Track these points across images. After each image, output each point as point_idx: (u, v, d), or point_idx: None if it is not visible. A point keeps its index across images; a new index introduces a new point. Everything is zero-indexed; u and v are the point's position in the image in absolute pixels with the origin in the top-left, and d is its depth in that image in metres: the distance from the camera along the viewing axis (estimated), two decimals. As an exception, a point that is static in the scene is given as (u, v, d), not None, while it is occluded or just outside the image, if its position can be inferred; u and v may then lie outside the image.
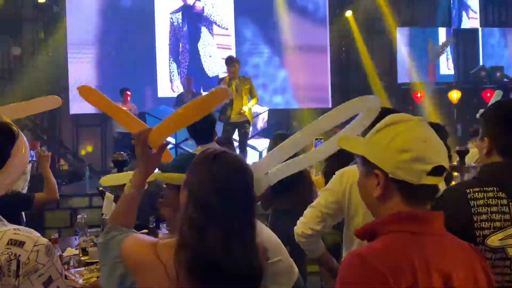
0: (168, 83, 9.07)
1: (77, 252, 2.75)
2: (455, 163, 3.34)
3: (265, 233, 1.78)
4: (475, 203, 1.28)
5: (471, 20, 10.50)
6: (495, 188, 1.28)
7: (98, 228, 3.05)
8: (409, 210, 1.04)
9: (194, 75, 8.43)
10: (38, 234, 1.19)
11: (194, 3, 9.25)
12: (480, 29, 10.54)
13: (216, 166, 1.19)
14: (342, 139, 1.19)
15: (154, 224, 2.83)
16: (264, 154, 6.04)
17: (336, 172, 2.01)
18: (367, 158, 1.08)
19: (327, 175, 3.33)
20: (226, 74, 6.61)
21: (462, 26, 10.43)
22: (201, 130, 2.77)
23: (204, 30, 9.24)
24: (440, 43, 9.81)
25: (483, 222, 1.26)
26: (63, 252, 2.71)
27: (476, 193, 1.29)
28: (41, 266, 1.14)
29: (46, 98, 2.02)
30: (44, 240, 1.18)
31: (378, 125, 1.10)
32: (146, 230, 2.89)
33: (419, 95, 9.40)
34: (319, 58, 9.62)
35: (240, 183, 1.18)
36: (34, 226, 1.35)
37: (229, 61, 6.22)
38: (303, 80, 9.50)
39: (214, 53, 9.19)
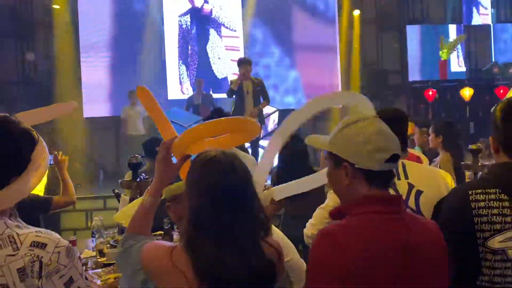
0: (178, 85, 9.14)
1: (94, 253, 2.80)
2: (468, 162, 3.33)
3: (274, 234, 1.82)
4: (477, 204, 1.28)
5: (482, 16, 10.40)
6: (497, 190, 1.28)
7: (114, 230, 3.10)
8: (374, 193, 1.19)
9: (203, 77, 8.48)
10: (59, 236, 1.23)
11: (202, 5, 9.31)
12: (492, 24, 10.43)
13: (206, 169, 1.22)
14: (311, 138, 1.37)
15: (169, 225, 2.87)
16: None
17: None
18: (335, 153, 1.25)
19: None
20: (235, 76, 6.65)
21: (473, 23, 10.33)
22: None
23: (212, 32, 9.30)
24: (451, 40, 9.72)
25: (484, 224, 1.26)
26: (80, 254, 2.77)
27: (478, 195, 1.29)
28: (62, 267, 1.17)
29: (62, 104, 2.06)
30: (65, 242, 1.21)
31: (340, 126, 1.27)
32: (160, 232, 2.93)
33: (430, 93, 9.33)
34: (329, 57, 9.62)
35: (230, 185, 1.20)
36: (50, 228, 1.40)
37: (242, 62, 6.25)
38: (313, 80, 9.51)
39: (223, 54, 9.24)
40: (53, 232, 1.24)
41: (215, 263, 1.15)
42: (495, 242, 1.25)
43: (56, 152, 3.05)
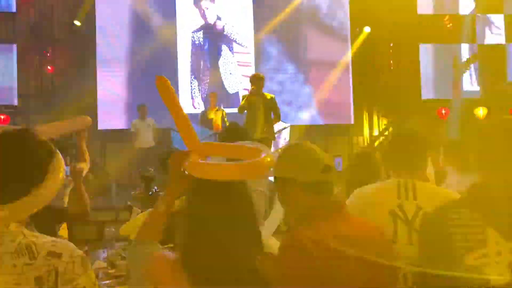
0: (189, 100, 9.26)
1: (105, 265, 2.84)
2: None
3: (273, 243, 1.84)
4: (452, 223, 1.35)
5: (495, 36, 10.37)
6: (471, 209, 1.35)
7: (126, 242, 3.14)
8: (316, 202, 1.43)
9: (214, 92, 8.59)
10: (74, 246, 1.26)
11: (215, 22, 9.47)
12: (506, 44, 10.39)
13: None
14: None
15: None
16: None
17: (351, 195, 2.04)
18: (281, 177, 1.49)
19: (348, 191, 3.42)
20: (246, 92, 6.70)
21: (487, 42, 10.30)
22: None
23: (224, 48, 9.45)
24: (465, 59, 9.70)
25: (459, 242, 1.32)
26: (92, 265, 2.81)
27: (454, 214, 1.36)
28: (77, 276, 1.20)
29: (77, 118, 2.07)
30: (80, 252, 1.25)
31: (279, 156, 1.54)
32: (170, 245, 2.96)
33: (443, 111, 9.29)
34: (341, 74, 9.66)
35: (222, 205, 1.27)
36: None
37: (254, 78, 6.30)
38: (325, 97, 9.55)
39: (234, 70, 9.37)
40: (68, 242, 1.27)
41: (209, 276, 1.20)
42: (470, 259, 1.31)
43: (72, 164, 3.11)
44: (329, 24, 9.74)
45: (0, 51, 8.87)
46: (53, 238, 1.26)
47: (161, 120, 7.93)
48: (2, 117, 8.33)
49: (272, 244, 1.89)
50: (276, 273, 1.28)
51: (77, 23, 8.68)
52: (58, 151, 1.38)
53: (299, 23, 9.61)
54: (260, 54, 9.51)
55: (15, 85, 8.68)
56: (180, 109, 1.61)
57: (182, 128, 1.57)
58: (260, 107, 6.24)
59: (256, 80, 6.21)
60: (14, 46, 8.81)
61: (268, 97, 6.39)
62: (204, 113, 7.93)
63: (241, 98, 6.60)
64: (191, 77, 9.32)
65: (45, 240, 1.23)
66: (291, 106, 9.38)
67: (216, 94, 8.06)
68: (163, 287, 1.24)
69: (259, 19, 9.43)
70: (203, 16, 9.45)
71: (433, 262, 1.38)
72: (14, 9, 8.83)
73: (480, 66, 10.20)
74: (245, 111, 6.33)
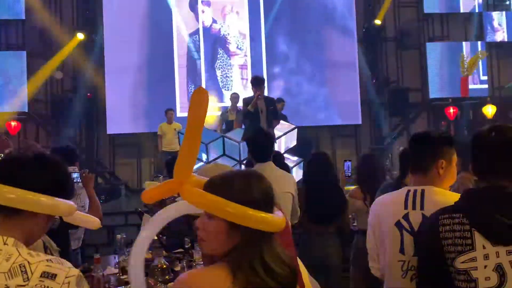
0: (186, 102, 9.31)
1: (116, 271, 2.87)
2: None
3: None
4: (443, 228, 1.40)
5: (501, 33, 10.29)
6: (461, 215, 1.38)
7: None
8: None
9: (211, 94, 8.63)
10: (70, 265, 1.24)
11: (211, 25, 9.53)
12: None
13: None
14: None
15: (190, 244, 2.93)
16: (294, 171, 6.07)
17: (373, 203, 2.04)
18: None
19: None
20: (246, 94, 6.69)
21: (496, 39, 10.23)
22: (259, 150, 2.94)
23: (220, 51, 9.50)
24: (472, 57, 9.63)
25: (449, 246, 1.37)
26: (104, 270, 2.84)
27: (445, 219, 1.40)
28: None
29: (88, 218, 1.91)
30: (75, 271, 1.22)
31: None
32: (181, 249, 2.99)
33: (451, 110, 9.24)
34: (349, 74, 9.64)
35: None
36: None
37: (255, 81, 6.27)
38: (333, 97, 9.55)
39: (231, 73, 9.42)
40: (64, 261, 1.25)
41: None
42: (458, 263, 1.35)
43: (83, 170, 3.17)
44: (336, 23, 9.73)
45: (10, 57, 8.99)
46: (49, 257, 1.24)
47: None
48: (13, 123, 8.44)
49: None
50: None
51: (80, 36, 8.80)
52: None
53: (304, 20, 9.61)
54: (254, 57, 9.52)
55: (26, 91, 8.79)
56: (199, 131, 1.40)
57: (185, 154, 1.39)
58: (263, 110, 6.21)
59: (258, 84, 6.18)
60: (24, 53, 8.94)
61: (269, 98, 6.37)
62: (225, 114, 7.85)
63: (242, 103, 6.52)
64: (187, 80, 9.36)
65: (40, 259, 1.20)
66: (296, 106, 9.34)
67: (237, 96, 7.99)
68: None
69: (272, 21, 9.49)
70: (199, 19, 9.50)
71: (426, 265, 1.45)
72: (23, 16, 8.96)
73: (488, 64, 10.14)
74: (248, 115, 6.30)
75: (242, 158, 6.03)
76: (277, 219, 1.19)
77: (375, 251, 1.88)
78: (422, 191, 1.75)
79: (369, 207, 3.33)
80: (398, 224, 1.74)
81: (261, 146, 3.01)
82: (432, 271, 1.42)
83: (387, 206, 1.84)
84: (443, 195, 1.72)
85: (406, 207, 1.75)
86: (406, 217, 1.74)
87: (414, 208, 1.73)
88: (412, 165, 1.84)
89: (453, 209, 1.42)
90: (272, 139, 3.02)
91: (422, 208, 1.72)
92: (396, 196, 1.82)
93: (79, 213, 1.65)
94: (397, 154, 6.60)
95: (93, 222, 1.83)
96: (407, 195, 1.76)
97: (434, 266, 1.41)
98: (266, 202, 1.20)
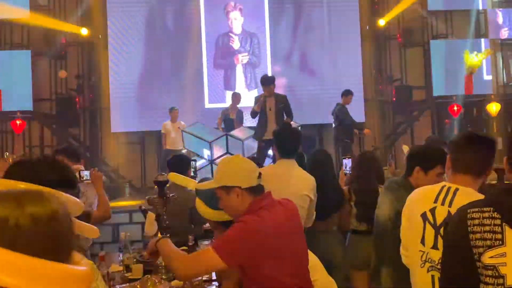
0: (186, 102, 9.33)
1: (121, 268, 2.90)
2: (494, 181, 3.27)
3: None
4: (472, 222, 1.37)
5: (506, 31, 10.23)
6: (491, 209, 1.36)
7: (140, 244, 3.21)
8: (257, 199, 1.84)
9: (213, 93, 8.74)
10: (81, 256, 1.28)
11: (241, 32, 9.58)
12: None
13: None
14: (200, 185, 2.15)
15: (193, 242, 2.95)
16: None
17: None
18: (225, 185, 1.83)
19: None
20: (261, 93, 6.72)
21: (500, 37, 10.17)
22: (284, 145, 2.94)
23: (223, 49, 9.53)
24: (477, 54, 9.58)
25: (477, 241, 1.35)
26: (108, 268, 2.87)
27: (474, 213, 1.38)
28: None
29: (87, 226, 1.93)
30: (88, 262, 1.27)
31: (221, 169, 1.91)
32: (185, 247, 3.01)
33: (455, 108, 9.21)
34: (353, 72, 9.62)
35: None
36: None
37: (265, 81, 6.30)
38: (337, 95, 9.53)
39: (234, 72, 9.47)
40: (76, 253, 1.29)
41: None
42: (486, 258, 1.32)
43: (92, 169, 3.20)
44: (338, 20, 9.71)
45: (15, 57, 9.03)
46: None
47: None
48: (18, 122, 8.49)
49: None
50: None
51: (84, 31, 8.81)
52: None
53: (314, 18, 9.62)
54: (275, 54, 9.53)
55: (30, 90, 8.83)
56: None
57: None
58: (271, 108, 6.25)
59: (267, 83, 6.20)
60: (29, 52, 8.97)
61: (280, 97, 6.39)
62: (226, 112, 7.91)
63: (254, 101, 6.57)
64: (207, 76, 9.41)
65: None
66: (299, 105, 9.35)
67: (238, 95, 8.06)
68: None
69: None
70: (230, 24, 9.55)
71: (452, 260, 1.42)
72: (27, 15, 8.98)
73: (493, 61, 10.09)
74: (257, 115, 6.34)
75: (245, 156, 6.09)
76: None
77: (407, 239, 1.94)
78: (456, 189, 1.77)
79: (354, 207, 3.37)
80: (423, 215, 1.79)
81: (286, 141, 2.98)
82: (458, 265, 1.40)
83: (420, 196, 1.89)
84: (476, 197, 1.71)
85: (436, 201, 1.78)
86: (432, 210, 1.77)
87: (443, 203, 1.76)
88: (462, 165, 1.79)
89: (483, 204, 1.40)
90: (298, 136, 2.98)
91: (450, 205, 1.74)
92: (430, 189, 1.85)
93: (78, 221, 1.66)
94: (401, 151, 6.62)
95: (92, 230, 1.85)
96: (441, 189, 1.80)
97: (460, 260, 1.39)
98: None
